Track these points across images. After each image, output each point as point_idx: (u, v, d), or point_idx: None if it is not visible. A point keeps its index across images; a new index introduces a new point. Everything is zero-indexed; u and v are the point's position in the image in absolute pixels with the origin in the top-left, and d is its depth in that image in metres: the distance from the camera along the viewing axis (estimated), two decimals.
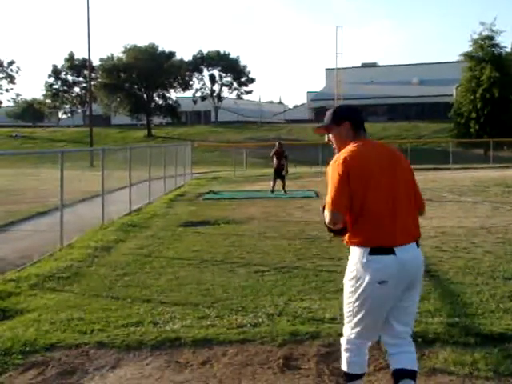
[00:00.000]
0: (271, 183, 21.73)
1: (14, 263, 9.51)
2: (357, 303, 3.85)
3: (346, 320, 4.02)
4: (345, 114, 4.15)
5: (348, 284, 3.90)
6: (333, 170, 3.88)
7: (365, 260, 3.76)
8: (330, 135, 4.18)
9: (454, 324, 5.99)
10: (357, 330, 3.92)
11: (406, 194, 3.95)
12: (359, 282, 3.80)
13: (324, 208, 3.89)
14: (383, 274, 3.73)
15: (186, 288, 7.77)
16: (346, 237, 3.91)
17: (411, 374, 3.92)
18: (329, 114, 4.21)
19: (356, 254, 3.83)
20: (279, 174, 21.74)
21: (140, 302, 7.11)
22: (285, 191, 21.15)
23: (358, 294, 3.82)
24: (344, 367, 4.02)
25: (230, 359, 5.33)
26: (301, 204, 17.57)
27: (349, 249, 3.95)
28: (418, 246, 3.96)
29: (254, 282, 8.01)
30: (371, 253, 3.75)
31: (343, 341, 4.04)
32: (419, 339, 5.51)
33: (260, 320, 6.26)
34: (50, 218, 13.07)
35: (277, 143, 23.29)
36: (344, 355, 4.01)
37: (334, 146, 4.17)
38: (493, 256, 9.39)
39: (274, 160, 22.04)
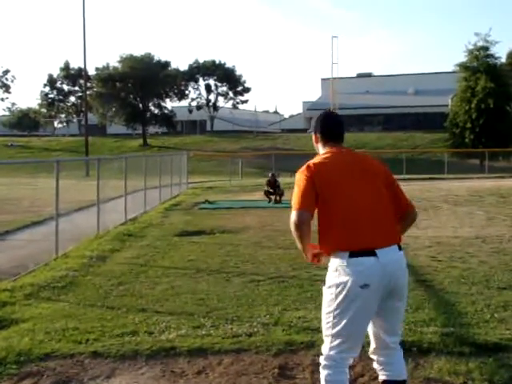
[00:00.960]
0: (267, 198, 21.61)
1: (9, 272, 9.50)
2: (337, 311, 3.69)
3: (324, 334, 3.83)
4: (316, 124, 4.17)
5: (327, 292, 3.76)
6: (298, 177, 3.88)
7: (345, 263, 3.66)
8: None
9: (449, 333, 6.00)
10: (337, 342, 3.72)
11: (378, 198, 3.85)
12: (339, 288, 3.67)
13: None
14: (365, 277, 3.61)
15: (181, 297, 7.77)
16: (324, 249, 3.82)
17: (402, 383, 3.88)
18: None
19: (335, 260, 3.73)
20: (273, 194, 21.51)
21: (135, 311, 7.12)
22: (280, 202, 20.97)
23: (338, 300, 3.68)
24: None
25: (225, 368, 5.33)
26: None
27: None
28: (400, 249, 3.84)
29: (250, 291, 8.02)
30: (351, 255, 3.65)
31: (321, 359, 3.82)
32: (414, 348, 5.55)
33: (255, 329, 6.26)
34: (46, 228, 13.07)
35: (270, 174, 22.92)
36: (322, 374, 3.78)
37: None
38: (487, 266, 9.41)
39: (267, 189, 21.77)
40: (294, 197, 3.82)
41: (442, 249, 11.03)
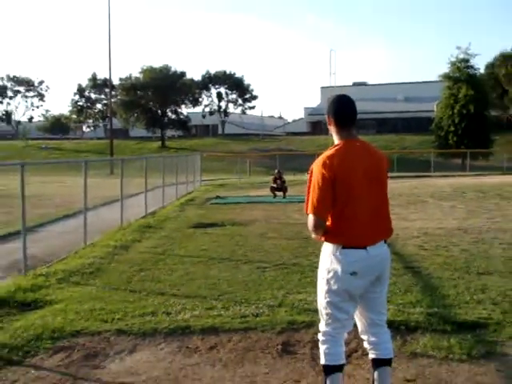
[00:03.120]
0: (272, 194, 21.50)
1: (44, 260, 9.55)
2: (329, 295, 3.73)
3: (321, 313, 3.86)
4: (330, 107, 3.88)
5: (322, 276, 3.78)
6: (316, 172, 3.70)
7: (337, 253, 3.67)
8: None
9: (433, 313, 6.00)
10: (331, 321, 3.77)
11: (382, 196, 3.84)
12: (331, 274, 3.69)
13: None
14: (354, 266, 3.64)
15: (195, 282, 7.80)
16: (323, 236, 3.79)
17: (388, 361, 3.88)
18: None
19: (329, 248, 3.73)
20: (278, 189, 21.45)
21: (154, 294, 7.15)
22: (284, 197, 21.02)
23: (330, 285, 3.70)
24: (322, 360, 3.81)
25: (235, 345, 5.36)
26: (298, 208, 17.53)
27: None
28: (385, 242, 3.85)
29: (256, 277, 8.03)
30: (344, 247, 3.67)
31: (319, 335, 3.85)
32: (402, 327, 5.56)
33: (261, 310, 6.28)
34: (75, 221, 13.10)
35: (276, 171, 22.60)
36: (321, 348, 3.81)
37: None
38: (468, 254, 9.40)
39: (274, 184, 21.62)
40: (313, 195, 3.69)
41: (428, 239, 11.01)
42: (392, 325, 5.56)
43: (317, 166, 3.71)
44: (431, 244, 10.39)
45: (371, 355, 3.92)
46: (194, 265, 9.01)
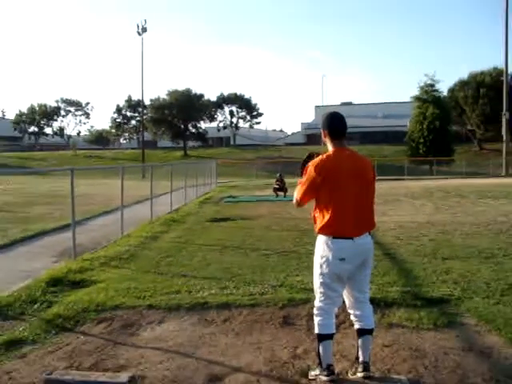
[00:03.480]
0: (275, 193, 21.40)
1: (89, 248, 9.58)
2: (322, 276, 3.76)
3: (315, 291, 3.88)
4: (324, 122, 3.89)
5: (316, 261, 3.80)
6: (310, 169, 3.74)
7: (329, 242, 3.69)
8: None
9: (407, 292, 6.01)
10: (323, 298, 3.78)
11: (366, 196, 3.82)
12: (324, 259, 3.71)
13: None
14: (342, 253, 3.66)
15: (211, 266, 7.81)
16: (315, 227, 3.81)
17: (370, 331, 3.89)
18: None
19: (322, 239, 3.75)
20: (280, 190, 21.33)
21: (178, 276, 7.16)
22: (285, 196, 20.96)
23: (323, 268, 3.73)
24: (316, 330, 3.82)
25: (244, 318, 5.37)
26: None
27: None
28: (369, 233, 3.84)
29: (262, 262, 8.04)
30: (334, 238, 3.68)
31: (314, 309, 3.87)
32: (382, 303, 5.56)
33: (266, 290, 6.29)
34: (114, 216, 13.14)
35: (278, 174, 22.29)
36: (315, 320, 3.83)
37: None
38: (435, 243, 9.39)
39: (276, 186, 21.46)
40: (301, 186, 3.85)
41: (402, 230, 11.00)
42: (373, 301, 5.52)
43: (311, 166, 3.76)
44: (405, 235, 10.38)
45: (356, 326, 3.93)
46: (211, 252, 9.03)
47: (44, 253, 9.61)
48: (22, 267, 8.28)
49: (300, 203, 3.95)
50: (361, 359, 3.86)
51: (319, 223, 3.77)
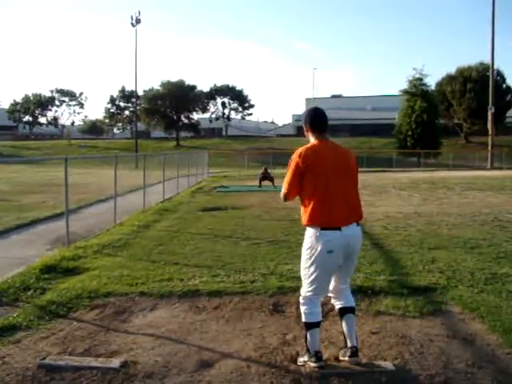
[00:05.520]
0: (258, 183, 21.63)
1: (82, 236, 9.55)
2: (310, 267, 3.73)
3: (303, 281, 3.85)
4: (306, 117, 3.89)
5: (304, 253, 3.76)
6: (293, 161, 3.72)
7: (318, 234, 3.64)
8: None
9: (394, 280, 6.05)
10: (311, 288, 3.77)
11: (351, 185, 3.80)
12: (313, 251, 3.68)
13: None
14: (331, 246, 3.62)
15: (203, 255, 7.80)
16: (303, 220, 3.76)
17: (351, 309, 3.91)
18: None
19: (311, 231, 3.70)
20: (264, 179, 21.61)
21: (170, 264, 7.16)
22: (274, 186, 20.99)
23: (312, 260, 3.70)
24: (303, 318, 3.84)
25: (235, 305, 5.37)
26: None
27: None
28: (358, 225, 3.80)
29: (252, 251, 8.04)
30: (322, 229, 3.64)
31: (301, 298, 3.87)
32: (369, 291, 5.60)
33: (256, 278, 6.30)
34: (107, 204, 13.09)
35: (263, 168, 22.62)
36: (302, 309, 3.84)
37: None
38: (421, 233, 9.45)
39: (260, 177, 21.77)
40: (286, 179, 3.80)
41: (390, 221, 11.05)
42: (361, 289, 5.63)
43: (294, 156, 3.75)
44: (393, 225, 10.42)
45: (337, 306, 3.96)
46: (202, 241, 9.02)
47: (38, 240, 9.57)
48: (16, 254, 8.24)
49: (287, 195, 3.85)
50: (349, 344, 3.86)
51: (306, 215, 3.72)
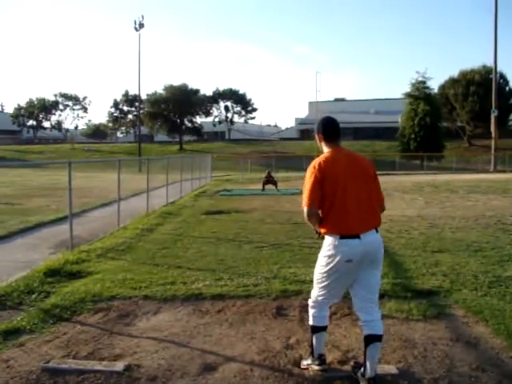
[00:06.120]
0: (261, 186, 21.60)
1: (86, 239, 9.57)
2: (325, 274, 3.64)
3: (314, 284, 3.78)
4: (318, 127, 3.83)
5: (322, 259, 3.66)
6: (307, 174, 3.63)
7: (336, 243, 3.54)
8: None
9: (397, 283, 6.04)
10: (322, 293, 3.71)
11: (367, 193, 3.68)
12: (331, 259, 3.58)
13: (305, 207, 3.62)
14: (350, 255, 3.52)
15: (206, 258, 7.80)
16: (321, 230, 3.65)
17: (379, 338, 3.64)
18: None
19: (330, 239, 3.61)
20: (268, 183, 21.61)
21: (174, 267, 7.17)
22: (277, 190, 21.07)
23: (328, 268, 3.61)
24: (310, 322, 3.79)
25: (238, 309, 5.37)
26: (290, 199, 17.60)
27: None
28: (377, 231, 3.69)
29: (256, 254, 8.04)
30: (341, 238, 3.54)
31: (310, 301, 3.82)
32: None
33: (259, 281, 6.30)
34: (111, 208, 13.13)
35: (267, 171, 22.74)
36: (310, 312, 3.79)
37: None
38: (425, 236, 9.43)
39: (264, 181, 21.79)
40: (304, 193, 3.62)
41: (393, 224, 11.03)
42: None
43: (309, 168, 3.65)
44: (396, 228, 10.41)
45: (364, 332, 3.68)
46: (205, 244, 9.02)
47: (42, 244, 9.59)
48: (20, 258, 8.26)
49: (311, 206, 3.59)
50: (368, 374, 3.58)
51: (324, 224, 3.63)
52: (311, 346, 3.82)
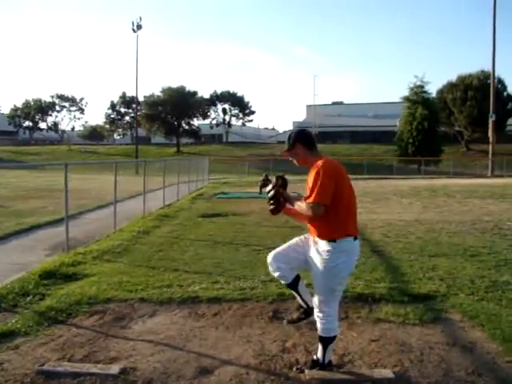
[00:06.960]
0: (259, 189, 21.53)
1: (82, 241, 9.55)
2: (339, 276, 3.66)
3: (326, 299, 3.72)
4: (299, 137, 3.83)
5: (331, 272, 3.63)
6: (324, 170, 3.53)
7: (344, 243, 3.60)
8: (293, 156, 3.92)
9: (394, 288, 6.05)
10: (335, 298, 3.76)
11: (354, 197, 3.79)
12: (346, 264, 3.64)
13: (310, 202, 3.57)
14: (352, 251, 3.67)
15: (203, 261, 7.80)
16: (327, 233, 3.64)
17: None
18: (286, 140, 3.92)
19: (344, 242, 3.63)
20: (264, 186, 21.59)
21: (170, 270, 7.16)
22: None
23: (340, 268, 3.62)
24: (332, 333, 3.76)
25: (234, 312, 5.38)
26: None
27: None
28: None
29: (252, 257, 8.04)
30: (354, 239, 3.68)
31: (324, 315, 3.74)
32: (369, 298, 5.60)
33: (256, 285, 6.30)
34: (107, 210, 13.09)
35: (264, 174, 22.70)
36: (329, 324, 3.73)
37: (296, 162, 3.92)
38: (422, 240, 9.44)
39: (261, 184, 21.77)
40: (316, 189, 3.51)
41: (390, 228, 11.05)
42: (361, 297, 5.64)
43: (324, 167, 3.56)
44: (393, 232, 10.43)
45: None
46: (202, 247, 9.02)
47: (37, 246, 9.57)
48: (16, 260, 8.24)
49: (323, 203, 3.52)
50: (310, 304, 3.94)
51: (334, 228, 3.62)
52: (323, 356, 3.83)
